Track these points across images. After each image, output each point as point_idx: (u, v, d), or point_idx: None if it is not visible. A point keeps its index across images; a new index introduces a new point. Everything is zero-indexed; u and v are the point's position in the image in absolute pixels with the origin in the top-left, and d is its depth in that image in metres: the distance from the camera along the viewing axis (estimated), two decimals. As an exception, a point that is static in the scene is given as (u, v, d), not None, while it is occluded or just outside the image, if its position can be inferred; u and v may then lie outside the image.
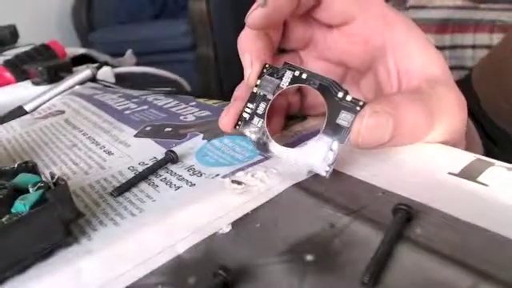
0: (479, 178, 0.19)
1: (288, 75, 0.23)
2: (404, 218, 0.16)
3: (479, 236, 0.15)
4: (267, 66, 0.24)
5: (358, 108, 0.20)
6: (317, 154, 0.21)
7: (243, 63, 0.24)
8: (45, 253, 0.17)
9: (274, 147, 0.22)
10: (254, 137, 0.23)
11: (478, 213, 0.16)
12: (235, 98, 0.25)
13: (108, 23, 2.19)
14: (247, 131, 0.23)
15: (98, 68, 0.50)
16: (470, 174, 0.19)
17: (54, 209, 0.17)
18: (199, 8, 1.92)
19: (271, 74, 0.23)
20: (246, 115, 0.24)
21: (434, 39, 1.24)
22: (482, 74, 0.41)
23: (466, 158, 0.21)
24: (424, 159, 0.21)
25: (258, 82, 0.23)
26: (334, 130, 0.21)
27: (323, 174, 0.20)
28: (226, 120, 0.24)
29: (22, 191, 0.18)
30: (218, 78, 2.00)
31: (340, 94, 0.21)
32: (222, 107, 0.33)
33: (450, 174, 0.20)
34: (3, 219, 0.16)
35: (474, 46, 1.13)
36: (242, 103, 0.24)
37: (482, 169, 0.19)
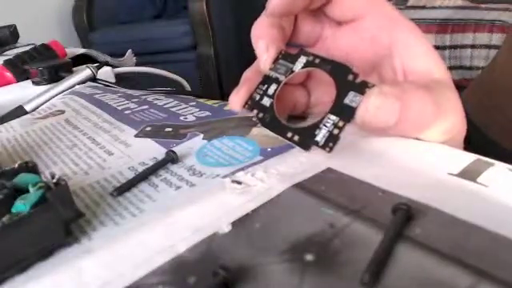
0: (479, 179, 0.19)
1: (302, 60, 0.24)
2: (404, 218, 0.16)
3: (479, 236, 0.15)
4: (282, 51, 0.24)
5: (367, 90, 0.21)
6: (322, 130, 0.21)
7: (257, 50, 0.24)
8: (45, 253, 0.17)
9: (279, 124, 0.23)
10: (261, 115, 0.24)
11: (477, 213, 0.16)
12: (245, 80, 0.25)
13: (108, 23, 2.19)
14: (255, 110, 0.24)
15: (99, 68, 0.50)
16: (469, 174, 0.19)
17: (54, 209, 0.17)
18: (199, 8, 1.92)
19: (285, 59, 0.24)
20: (256, 96, 0.24)
21: (435, 39, 1.24)
22: (474, 92, 0.42)
23: (466, 158, 0.21)
24: (424, 159, 0.21)
25: (272, 65, 0.24)
26: (341, 109, 0.21)
27: (326, 149, 0.21)
28: (236, 99, 0.24)
29: (22, 191, 0.18)
30: (218, 77, 2.00)
31: (350, 77, 0.21)
32: (222, 107, 0.33)
33: (449, 174, 0.20)
34: (3, 219, 0.16)
35: (473, 46, 1.13)
36: (253, 85, 0.25)
37: (481, 169, 0.19)
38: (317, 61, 0.23)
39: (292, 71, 0.24)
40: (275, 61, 0.24)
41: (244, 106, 0.24)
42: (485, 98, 0.40)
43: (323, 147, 0.21)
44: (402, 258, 0.15)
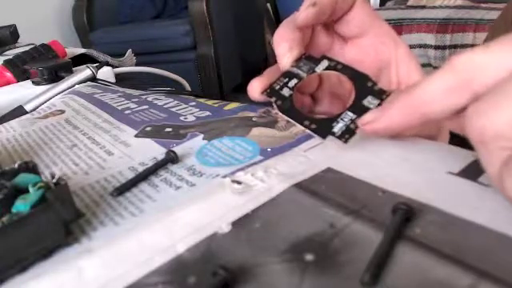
0: (480, 179, 0.19)
1: (324, 63, 0.26)
2: (404, 218, 0.16)
3: (479, 235, 0.15)
4: (306, 54, 0.26)
5: (384, 96, 0.23)
6: (339, 124, 0.23)
7: (279, 51, 0.26)
8: (45, 252, 0.17)
9: (297, 112, 0.24)
10: (279, 102, 0.25)
11: (477, 212, 0.16)
12: (267, 72, 0.27)
13: (108, 23, 2.19)
14: (274, 97, 0.25)
15: (99, 68, 0.50)
16: (470, 174, 0.19)
17: (54, 209, 0.17)
18: (199, 8, 1.92)
19: (308, 60, 0.26)
20: (276, 86, 0.26)
21: (435, 39, 1.24)
22: None
23: (467, 157, 0.21)
24: (424, 159, 0.21)
25: (294, 63, 0.26)
26: (360, 109, 0.23)
27: (342, 139, 0.22)
28: (256, 85, 0.26)
29: (22, 191, 0.18)
30: (218, 77, 2.01)
31: (369, 84, 0.24)
32: (222, 107, 0.33)
33: (449, 173, 0.20)
34: (3, 219, 0.16)
35: (473, 45, 1.12)
36: (274, 76, 0.26)
37: (482, 169, 0.19)
38: (339, 66, 0.25)
39: (314, 71, 0.26)
40: (297, 60, 0.26)
41: (262, 93, 0.26)
42: None
43: (339, 138, 0.22)
44: (402, 258, 0.15)
